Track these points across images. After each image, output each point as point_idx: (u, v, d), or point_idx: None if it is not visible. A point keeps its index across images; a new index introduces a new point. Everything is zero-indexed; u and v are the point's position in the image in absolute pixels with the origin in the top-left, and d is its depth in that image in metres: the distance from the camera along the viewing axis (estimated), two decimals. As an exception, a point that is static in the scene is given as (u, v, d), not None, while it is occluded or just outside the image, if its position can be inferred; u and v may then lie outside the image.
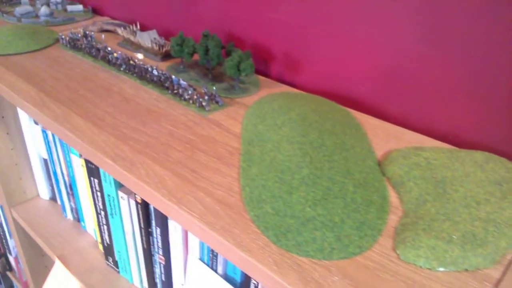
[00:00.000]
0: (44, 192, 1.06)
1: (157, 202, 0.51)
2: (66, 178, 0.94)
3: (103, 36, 0.93)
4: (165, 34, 0.98)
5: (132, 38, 0.89)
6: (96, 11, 1.14)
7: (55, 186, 1.01)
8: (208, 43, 0.76)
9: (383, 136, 0.64)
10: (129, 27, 0.95)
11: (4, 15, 1.07)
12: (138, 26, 0.95)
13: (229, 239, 0.45)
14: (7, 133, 0.98)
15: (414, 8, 0.62)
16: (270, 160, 0.54)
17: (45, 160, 0.99)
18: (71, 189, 0.95)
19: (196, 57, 0.89)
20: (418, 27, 0.62)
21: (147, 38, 0.89)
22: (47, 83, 0.76)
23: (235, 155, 0.58)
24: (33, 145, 0.98)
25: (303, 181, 0.50)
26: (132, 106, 0.69)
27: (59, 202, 1.05)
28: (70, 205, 0.98)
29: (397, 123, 0.69)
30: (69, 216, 1.01)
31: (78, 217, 0.99)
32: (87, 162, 0.79)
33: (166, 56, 0.87)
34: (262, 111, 0.66)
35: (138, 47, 0.89)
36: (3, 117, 0.96)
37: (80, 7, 1.10)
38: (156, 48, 0.85)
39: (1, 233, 1.33)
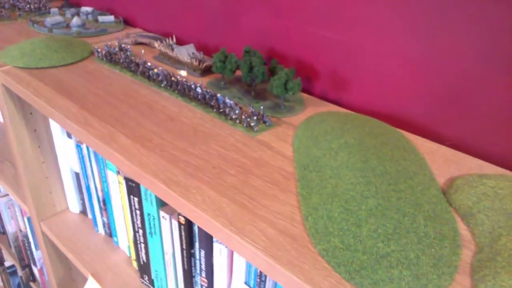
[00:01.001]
0: (74, 205, 1.04)
1: (216, 232, 0.49)
2: (100, 193, 0.93)
3: (142, 51, 0.91)
4: (202, 48, 0.97)
5: (169, 52, 0.88)
6: (127, 22, 1.12)
7: (86, 200, 1.00)
8: (253, 60, 0.74)
9: (442, 161, 0.61)
10: (165, 40, 0.94)
11: (35, 25, 1.05)
12: (174, 40, 0.94)
13: (299, 276, 0.43)
14: (39, 147, 0.96)
15: (473, 29, 0.59)
16: (331, 188, 0.52)
17: (76, 174, 0.98)
18: (104, 204, 0.93)
19: (236, 72, 0.87)
20: (478, 47, 0.60)
21: (185, 53, 0.87)
22: (88, 99, 0.74)
23: (290, 180, 0.56)
24: (65, 158, 0.97)
25: (371, 213, 0.48)
26: (177, 125, 0.68)
27: (90, 216, 1.03)
28: (102, 220, 0.97)
29: (453, 147, 0.66)
30: (101, 230, 0.99)
31: (110, 232, 0.97)
32: (127, 180, 0.77)
33: (205, 71, 0.85)
34: (313, 132, 0.64)
35: (176, 62, 0.87)
36: (35, 130, 0.94)
37: (111, 18, 1.08)
38: (195, 63, 0.84)
39: (26, 245, 1.32)
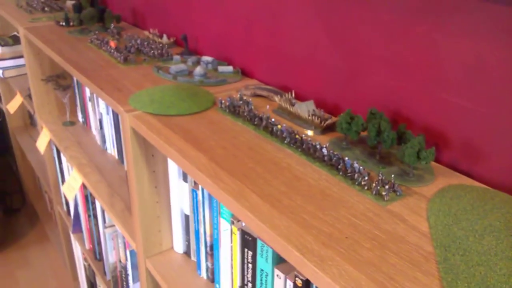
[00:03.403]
0: (179, 246, 1.07)
1: (357, 312, 0.47)
2: (208, 239, 0.94)
3: (268, 106, 0.93)
4: (320, 104, 0.97)
5: (289, 107, 0.89)
6: (244, 73, 1.17)
7: (193, 243, 1.02)
8: (381, 124, 0.73)
9: None
10: (285, 95, 0.95)
11: (160, 71, 1.12)
12: (293, 95, 0.95)
13: None
14: (155, 187, 1.01)
15: None
16: (480, 277, 0.49)
17: (186, 216, 1.00)
18: (211, 249, 0.95)
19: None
20: None
21: (305, 109, 0.88)
22: (215, 151, 0.77)
23: (430, 261, 0.53)
24: (178, 200, 1.00)
25: (535, 315, 0.43)
26: (304, 187, 0.67)
27: (193, 258, 1.05)
28: (206, 265, 0.98)
29: None
30: (203, 274, 1.01)
31: (213, 278, 0.98)
32: (244, 233, 0.78)
33: (326, 129, 0.85)
34: (450, 209, 0.61)
35: (295, 117, 0.88)
36: (154, 171, 0.99)
37: (230, 68, 1.13)
38: (316, 121, 0.84)
39: (124, 276, 1.37)
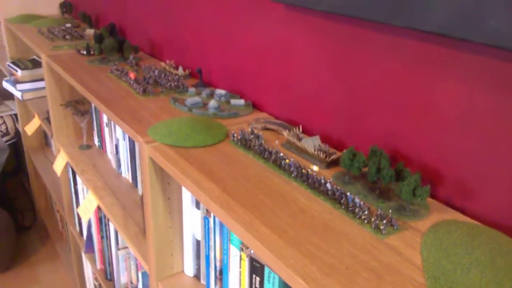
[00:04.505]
0: (189, 269, 1.13)
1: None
2: (218, 263, 1.00)
3: (277, 141, 1.00)
4: (326, 139, 1.04)
5: (296, 142, 0.96)
6: (255, 106, 1.24)
7: (203, 267, 1.08)
8: (381, 162, 0.79)
9: None
10: (293, 130, 1.02)
11: (176, 103, 1.20)
12: (301, 130, 1.02)
13: None
14: (170, 213, 1.07)
15: None
16: (466, 307, 0.55)
17: (197, 241, 1.07)
18: (221, 274, 1.00)
19: (357, 166, 0.93)
20: None
21: (311, 144, 0.95)
22: (228, 183, 0.84)
23: (422, 291, 0.59)
24: (190, 226, 1.07)
25: None
26: (309, 219, 0.74)
27: (202, 281, 1.11)
28: (215, 288, 1.04)
29: None
30: (212, 298, 1.06)
31: (221, 301, 1.04)
32: (252, 260, 0.84)
33: (330, 164, 0.92)
34: (442, 243, 0.67)
35: (302, 152, 0.95)
36: (169, 198, 1.06)
37: (242, 101, 1.21)
38: (322, 156, 0.91)
39: (135, 295, 1.42)
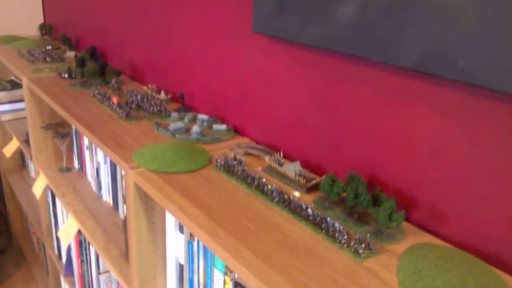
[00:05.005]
0: (172, 292, 1.14)
1: None
2: (201, 287, 1.02)
3: (260, 168, 1.04)
4: (306, 164, 1.08)
5: (277, 167, 1.00)
6: (236, 130, 1.28)
7: (186, 290, 1.10)
8: (359, 188, 0.84)
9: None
10: (274, 155, 1.06)
11: (160, 128, 1.23)
12: (282, 155, 1.06)
13: None
14: (153, 237, 1.09)
15: None
16: (439, 327, 0.58)
17: (181, 265, 1.08)
18: (204, 297, 1.02)
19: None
20: None
21: (292, 169, 0.99)
22: (212, 208, 0.86)
23: (399, 313, 0.63)
24: (173, 250, 1.08)
25: None
26: (292, 244, 0.77)
27: (186, 305, 1.12)
28: (199, 312, 1.05)
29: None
30: (195, 321, 1.08)
31: (204, 325, 1.05)
32: (236, 284, 0.86)
33: (310, 189, 0.95)
34: (417, 266, 0.71)
35: (283, 177, 0.99)
36: (153, 223, 1.07)
37: (224, 126, 1.24)
38: (302, 181, 0.95)
39: (116, 320, 1.42)
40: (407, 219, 0.88)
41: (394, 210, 0.78)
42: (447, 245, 0.78)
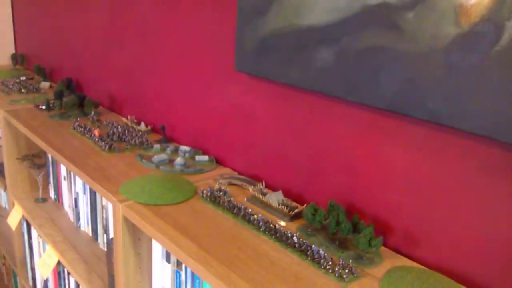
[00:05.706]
0: (158, 321, 1.17)
1: None
2: (189, 315, 1.05)
3: (245, 199, 1.09)
4: (287, 193, 1.14)
5: (261, 197, 1.05)
6: (218, 161, 1.33)
7: (173, 319, 1.12)
8: (339, 216, 0.90)
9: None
10: (257, 185, 1.12)
11: (143, 160, 1.27)
12: (264, 185, 1.12)
13: None
14: (139, 267, 1.12)
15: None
16: None
17: (167, 294, 1.11)
18: (192, 325, 1.05)
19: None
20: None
21: (275, 199, 1.04)
22: (202, 239, 0.91)
23: (383, 332, 0.69)
24: (160, 280, 1.11)
25: None
26: (280, 271, 0.82)
27: (172, 333, 1.15)
28: None
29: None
30: None
31: None
32: (227, 310, 0.90)
33: (293, 217, 1.01)
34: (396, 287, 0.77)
35: (267, 206, 1.04)
36: (139, 254, 1.10)
37: (206, 157, 1.29)
38: (285, 210, 1.00)
39: None
40: (384, 244, 0.95)
41: (373, 236, 0.85)
42: (421, 267, 0.86)
